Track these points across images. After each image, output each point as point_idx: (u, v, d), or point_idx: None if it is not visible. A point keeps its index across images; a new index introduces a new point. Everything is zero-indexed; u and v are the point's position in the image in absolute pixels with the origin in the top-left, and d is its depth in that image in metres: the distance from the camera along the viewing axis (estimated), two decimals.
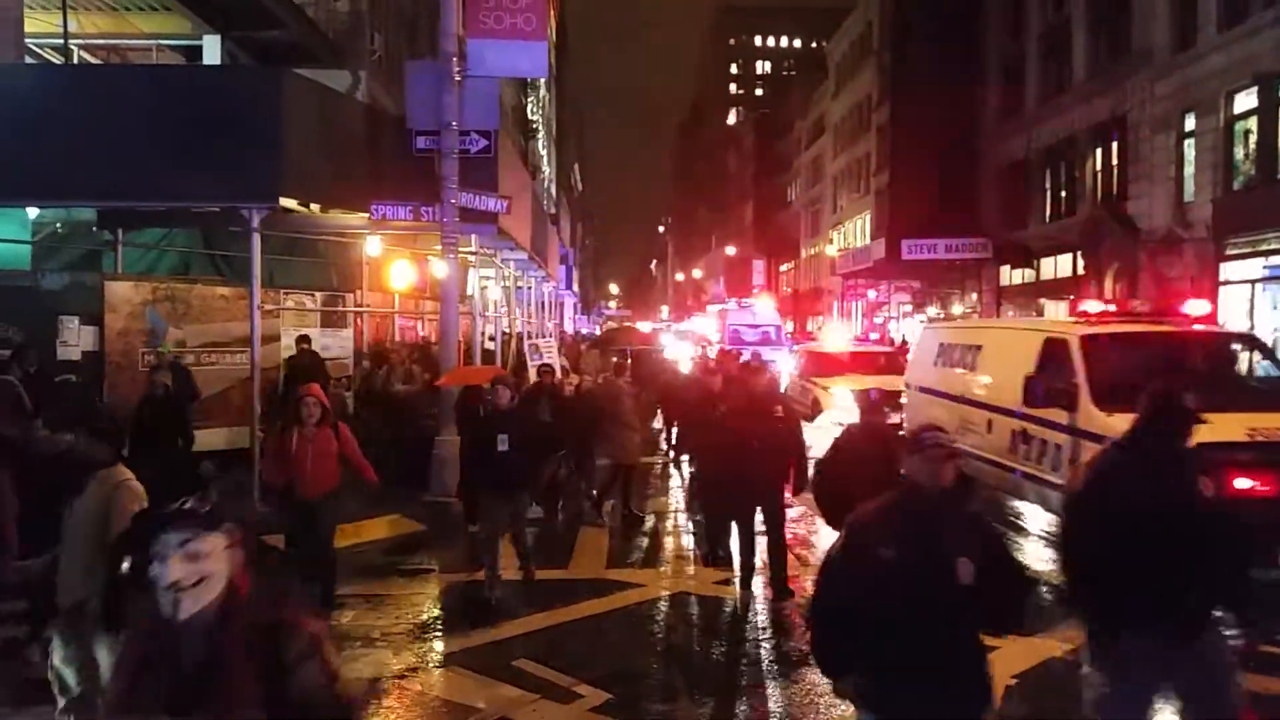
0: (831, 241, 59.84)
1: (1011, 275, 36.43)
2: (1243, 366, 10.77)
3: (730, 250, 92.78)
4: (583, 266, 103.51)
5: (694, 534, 11.15)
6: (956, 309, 41.00)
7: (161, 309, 12.82)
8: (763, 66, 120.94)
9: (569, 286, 51.10)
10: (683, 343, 32.58)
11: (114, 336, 12.32)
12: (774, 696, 6.51)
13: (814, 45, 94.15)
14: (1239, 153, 23.21)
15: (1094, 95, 29.62)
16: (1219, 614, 4.51)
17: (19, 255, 13.30)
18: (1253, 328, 20.18)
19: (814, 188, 69.60)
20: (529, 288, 25.64)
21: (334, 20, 22.33)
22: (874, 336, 35.30)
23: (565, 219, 70.73)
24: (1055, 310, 31.80)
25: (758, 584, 8.65)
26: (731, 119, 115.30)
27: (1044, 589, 8.22)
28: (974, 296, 39.75)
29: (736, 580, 8.73)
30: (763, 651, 7.33)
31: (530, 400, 11.54)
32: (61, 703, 5.16)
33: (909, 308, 47.14)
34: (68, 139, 10.48)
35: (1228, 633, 4.88)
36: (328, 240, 15.69)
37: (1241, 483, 7.84)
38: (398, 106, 18.81)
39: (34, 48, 15.20)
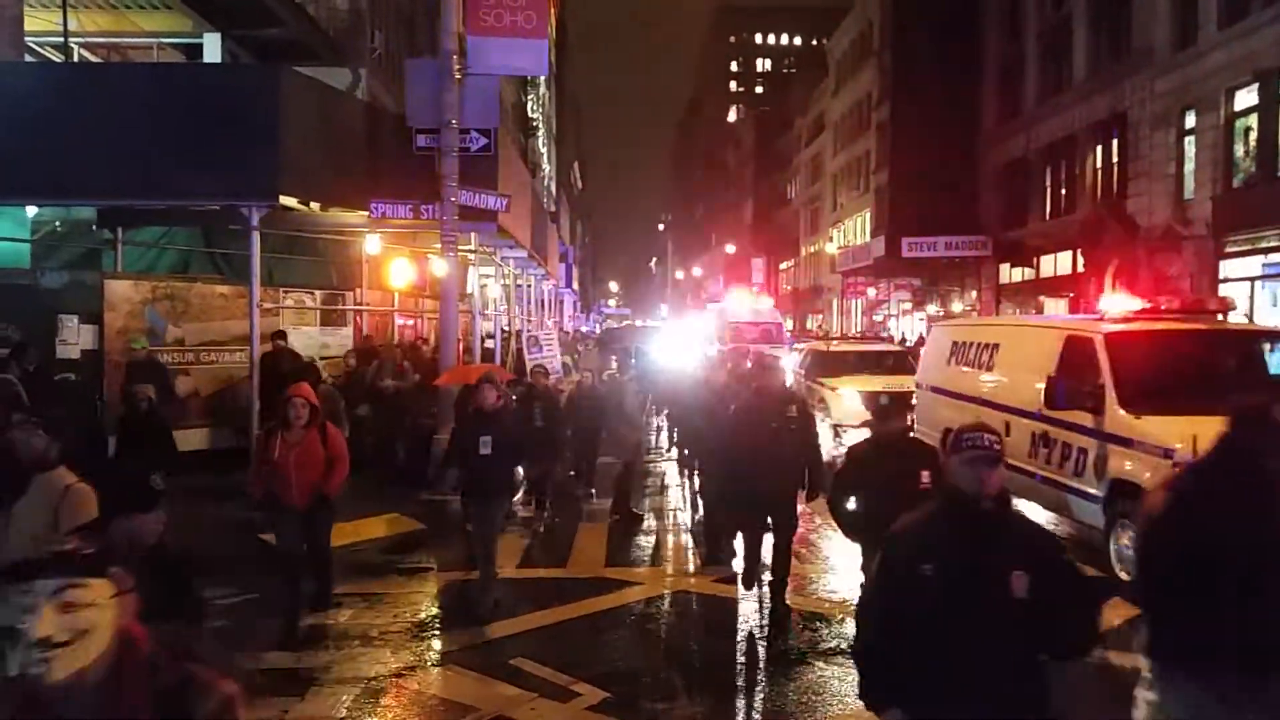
0: (831, 239, 59.80)
1: (1011, 273, 36.42)
2: (1275, 364, 10.03)
3: (730, 248, 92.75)
4: (582, 265, 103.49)
5: (693, 533, 11.16)
6: (956, 307, 40.98)
7: (161, 307, 12.83)
8: (763, 64, 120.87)
9: (569, 284, 51.08)
10: (687, 340, 31.49)
11: (113, 335, 12.33)
12: (772, 695, 6.51)
13: (814, 43, 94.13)
14: (1239, 150, 23.21)
15: (1094, 93, 29.61)
16: None
17: (18, 253, 13.31)
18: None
19: (814, 185, 69.57)
20: (528, 286, 25.65)
21: (334, 18, 22.33)
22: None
23: (565, 217, 70.73)
24: (1055, 307, 31.82)
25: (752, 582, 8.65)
26: (732, 116, 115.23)
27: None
28: (973, 294, 39.74)
29: (739, 579, 8.70)
30: (761, 650, 7.34)
31: (523, 402, 11.45)
32: None
33: (909, 305, 47.14)
34: (68, 137, 10.49)
35: None
36: (327, 238, 15.69)
37: None
38: (398, 104, 18.83)
39: (34, 46, 15.20)
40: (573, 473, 12.88)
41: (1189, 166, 25.01)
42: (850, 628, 7.73)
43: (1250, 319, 21.33)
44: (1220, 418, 4.00)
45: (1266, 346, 10.02)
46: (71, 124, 10.57)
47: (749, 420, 8.04)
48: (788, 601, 8.03)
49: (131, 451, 8.79)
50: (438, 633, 7.68)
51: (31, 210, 13.27)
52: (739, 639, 7.65)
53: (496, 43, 12.89)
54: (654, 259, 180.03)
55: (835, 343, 24.58)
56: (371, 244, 15.53)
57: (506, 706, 6.17)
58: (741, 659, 7.21)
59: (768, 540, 8.15)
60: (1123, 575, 8.09)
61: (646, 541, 10.80)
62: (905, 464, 6.06)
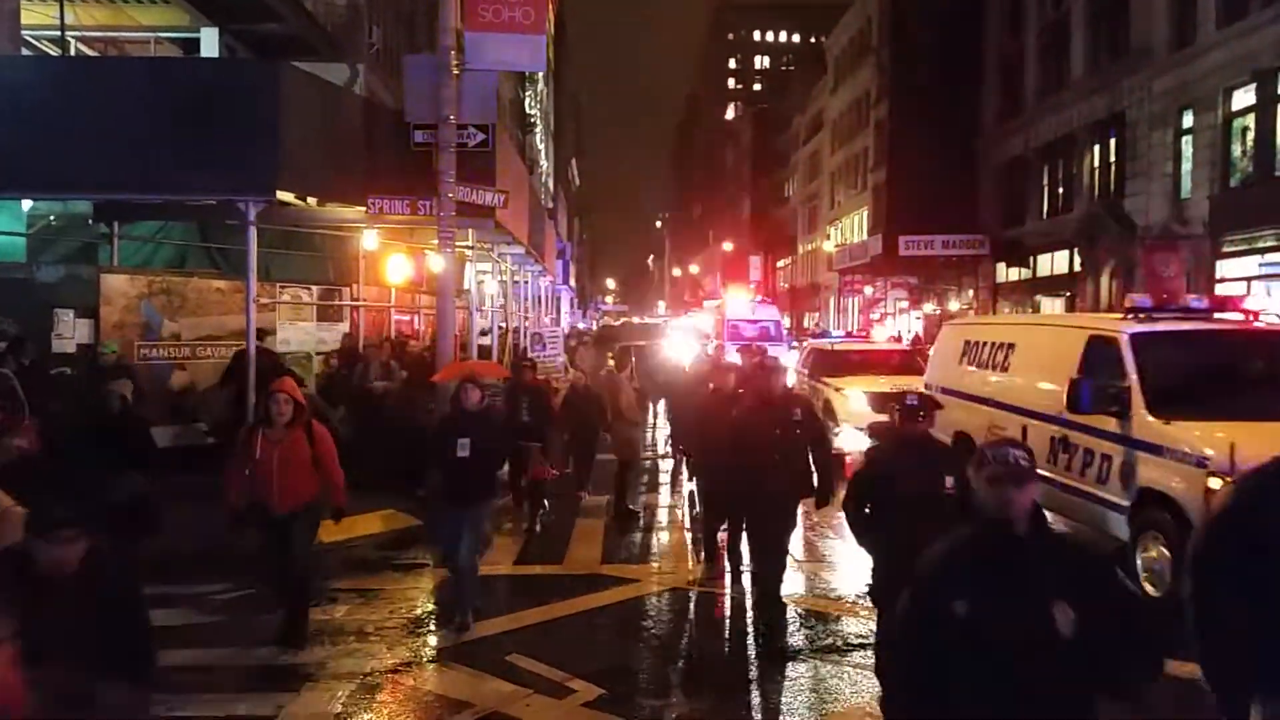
0: (828, 237, 59.83)
1: (1008, 272, 36.45)
2: None
3: (727, 246, 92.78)
4: (580, 261, 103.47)
5: (690, 530, 11.17)
6: (953, 305, 41.02)
7: (157, 302, 12.80)
8: (761, 61, 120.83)
9: (566, 281, 51.06)
10: (688, 337, 30.34)
11: (109, 329, 12.30)
12: (768, 692, 6.52)
13: (813, 40, 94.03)
14: (1236, 150, 23.24)
15: (1092, 92, 29.62)
16: None
17: (14, 247, 13.28)
18: None
19: (811, 183, 69.59)
20: (526, 282, 25.62)
21: (332, 13, 22.29)
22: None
23: (563, 214, 70.71)
24: (1052, 307, 31.86)
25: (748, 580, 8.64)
26: (730, 114, 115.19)
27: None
28: (970, 293, 39.78)
29: (737, 578, 8.62)
30: (756, 647, 7.34)
31: (509, 396, 11.25)
32: None
33: (905, 304, 47.16)
34: (64, 131, 10.45)
35: None
36: (324, 234, 15.65)
37: None
38: (395, 100, 18.80)
39: (31, 39, 15.16)
40: (567, 471, 12.58)
41: (1186, 166, 25.04)
42: (846, 625, 7.75)
43: None
44: (1258, 424, 3.77)
45: None
46: (68, 118, 10.53)
47: (750, 425, 7.59)
48: (783, 599, 7.94)
49: (103, 454, 7.84)
50: (433, 629, 7.68)
51: (27, 204, 13.24)
52: (734, 636, 7.66)
53: (494, 38, 12.84)
54: (651, 256, 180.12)
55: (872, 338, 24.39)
56: (369, 240, 15.49)
57: (502, 703, 6.18)
58: (737, 656, 7.21)
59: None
60: (1149, 589, 7.77)
61: (643, 539, 10.81)
62: (928, 469, 5.71)
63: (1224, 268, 23.03)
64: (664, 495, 13.40)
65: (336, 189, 12.47)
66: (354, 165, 12.52)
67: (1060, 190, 32.70)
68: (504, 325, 20.18)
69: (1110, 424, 8.57)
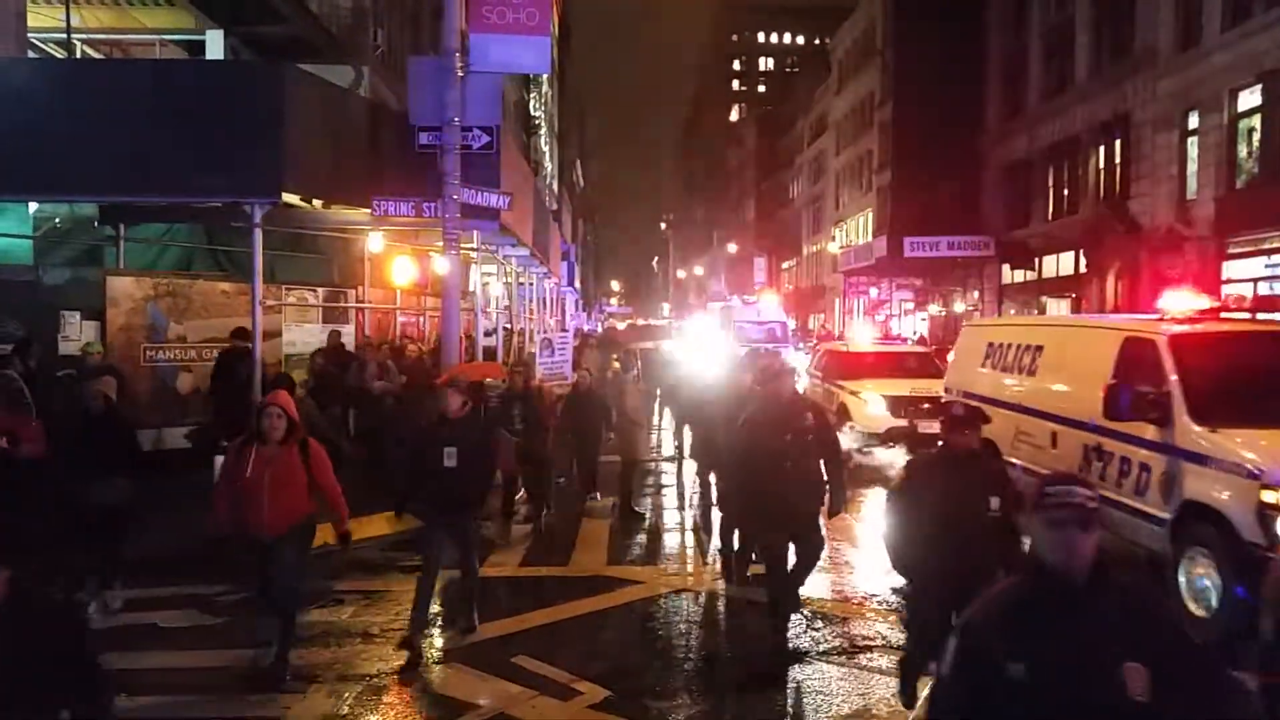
0: (833, 239, 59.81)
1: (1013, 274, 36.41)
2: None
3: (732, 247, 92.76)
4: (584, 263, 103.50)
5: (694, 531, 11.16)
6: (959, 307, 40.99)
7: (163, 304, 12.83)
8: (765, 63, 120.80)
9: (570, 283, 51.06)
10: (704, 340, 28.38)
11: (115, 332, 12.33)
12: (774, 694, 6.50)
13: (817, 42, 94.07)
14: (1242, 151, 23.19)
15: (1096, 93, 29.58)
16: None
17: (20, 250, 13.30)
18: None
19: (816, 185, 69.58)
20: (530, 284, 25.63)
21: (337, 15, 22.31)
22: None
23: (567, 215, 70.71)
24: (1057, 308, 31.80)
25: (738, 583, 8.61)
26: (734, 115, 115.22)
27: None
28: (975, 294, 39.74)
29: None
30: (762, 649, 7.32)
31: (502, 404, 11.00)
32: None
33: (910, 305, 47.13)
34: (70, 134, 10.47)
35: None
36: (329, 236, 15.68)
37: None
38: (400, 102, 18.81)
39: (36, 42, 15.19)
40: (561, 479, 12.45)
41: (1191, 167, 24.98)
42: (852, 626, 7.74)
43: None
44: None
45: None
46: (73, 120, 10.55)
47: (761, 431, 7.18)
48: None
49: (86, 457, 7.58)
50: (439, 630, 7.68)
51: (33, 207, 13.26)
52: (740, 638, 7.64)
53: (499, 40, 12.87)
54: (655, 258, 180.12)
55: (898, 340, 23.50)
56: (374, 241, 15.52)
57: (508, 704, 6.18)
58: (743, 658, 7.20)
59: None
60: (1193, 609, 7.35)
61: (648, 540, 10.80)
62: (971, 486, 5.29)
63: (1230, 269, 22.97)
64: (669, 497, 13.38)
65: (341, 191, 12.49)
66: (359, 167, 12.55)
67: (1065, 192, 32.64)
68: (509, 327, 20.19)
69: (1149, 431, 8.08)
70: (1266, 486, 6.87)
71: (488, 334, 19.27)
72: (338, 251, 16.66)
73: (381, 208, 12.51)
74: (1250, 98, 22.60)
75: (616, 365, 16.94)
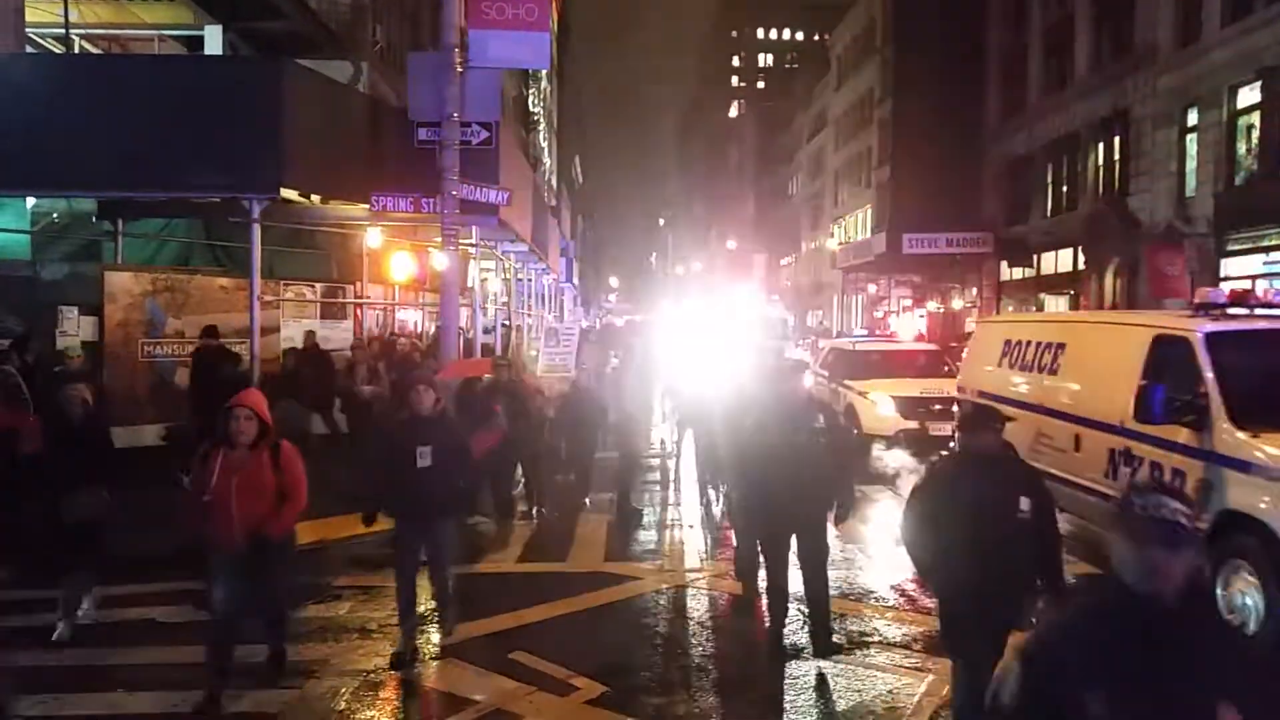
0: (832, 235, 59.81)
1: (1012, 271, 36.42)
2: None
3: (731, 244, 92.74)
4: (583, 259, 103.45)
5: (693, 528, 11.17)
6: (957, 304, 40.99)
7: (161, 299, 12.82)
8: (765, 59, 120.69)
9: (569, 279, 51.03)
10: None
11: (113, 327, 12.33)
12: (772, 692, 6.51)
13: (817, 38, 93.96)
14: (1241, 148, 23.17)
15: (1096, 90, 29.57)
16: None
17: (18, 245, 13.30)
18: None
19: (815, 181, 69.55)
20: (529, 280, 25.62)
21: (336, 11, 22.29)
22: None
23: (566, 211, 70.68)
24: (1056, 305, 31.81)
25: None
26: (733, 111, 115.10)
27: None
28: (974, 291, 39.74)
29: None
30: (760, 645, 7.33)
31: (485, 399, 10.61)
32: None
33: (909, 302, 47.13)
34: (68, 129, 10.47)
35: None
36: (328, 231, 15.67)
37: None
38: (399, 98, 18.81)
39: (35, 37, 15.18)
40: (559, 476, 12.37)
41: (1191, 164, 24.97)
42: (849, 624, 7.73)
43: None
44: None
45: None
46: (72, 116, 10.55)
47: (770, 433, 6.92)
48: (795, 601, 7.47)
49: (64, 465, 7.07)
50: (436, 626, 7.68)
51: (31, 202, 13.27)
52: (739, 634, 7.65)
53: (498, 35, 12.84)
54: (654, 254, 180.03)
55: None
56: (372, 237, 15.51)
57: (505, 700, 6.18)
58: (741, 655, 7.21)
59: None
60: (1233, 623, 6.92)
61: (646, 536, 10.81)
62: (999, 488, 5.02)
63: (1229, 266, 22.97)
64: (667, 493, 13.38)
65: (340, 186, 12.49)
66: (358, 163, 12.54)
67: (1064, 188, 32.64)
68: (508, 323, 20.19)
69: (1182, 435, 7.64)
70: None
71: (487, 330, 19.28)
72: (336, 247, 16.66)
73: (380, 203, 12.51)
74: (1250, 94, 22.59)
75: (615, 361, 16.96)
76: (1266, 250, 21.66)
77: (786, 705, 6.28)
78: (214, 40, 17.68)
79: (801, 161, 74.48)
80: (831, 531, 7.33)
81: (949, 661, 6.78)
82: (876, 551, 9.86)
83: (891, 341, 22.47)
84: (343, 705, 6.13)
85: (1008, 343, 11.33)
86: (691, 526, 11.23)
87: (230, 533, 5.87)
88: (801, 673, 6.74)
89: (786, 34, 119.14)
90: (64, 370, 9.95)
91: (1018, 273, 35.77)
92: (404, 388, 9.76)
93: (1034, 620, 4.94)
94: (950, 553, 4.98)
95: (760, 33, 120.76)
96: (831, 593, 8.29)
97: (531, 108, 62.62)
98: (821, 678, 6.66)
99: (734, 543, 9.16)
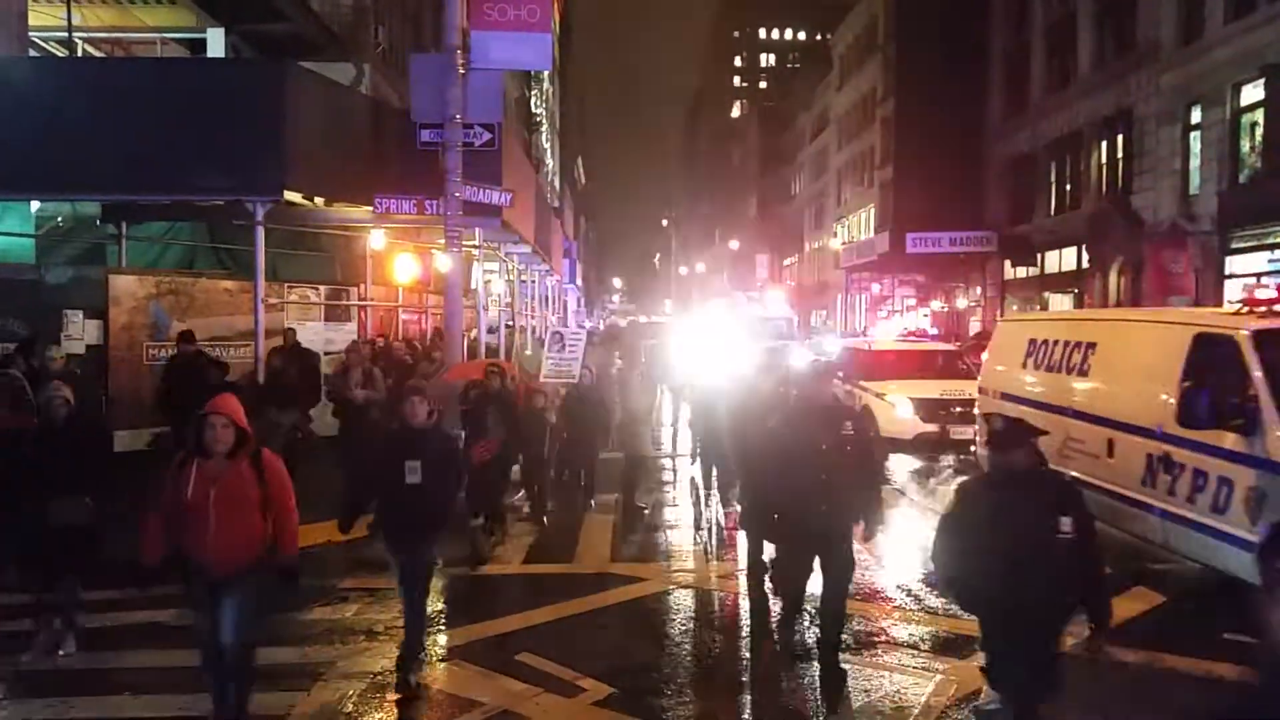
0: (836, 235, 59.76)
1: (1015, 270, 36.38)
2: None
3: (734, 244, 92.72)
4: (586, 260, 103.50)
5: (699, 529, 11.16)
6: (961, 303, 40.96)
7: (165, 302, 12.85)
8: (767, 59, 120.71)
9: (572, 280, 51.09)
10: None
11: (118, 330, 12.36)
12: (778, 691, 6.50)
13: (819, 38, 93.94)
14: (1245, 145, 23.13)
15: (1099, 88, 29.53)
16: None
17: (22, 249, 13.32)
18: None
19: (818, 181, 69.51)
20: (532, 281, 25.64)
21: (338, 13, 22.32)
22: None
23: (569, 212, 70.73)
24: (1060, 303, 31.76)
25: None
26: (735, 111, 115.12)
27: None
28: (978, 290, 39.71)
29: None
30: (766, 646, 7.32)
31: (476, 406, 10.05)
32: None
33: (913, 301, 47.10)
34: (72, 132, 10.50)
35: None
36: (332, 233, 15.70)
37: None
38: (402, 99, 18.83)
39: (38, 41, 15.22)
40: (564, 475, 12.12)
41: (1194, 162, 24.94)
42: (857, 624, 7.71)
43: None
44: None
45: None
46: (75, 119, 10.58)
47: (793, 440, 6.44)
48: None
49: (46, 470, 6.70)
50: (443, 628, 7.68)
51: (36, 206, 13.29)
52: (745, 635, 7.63)
53: (500, 37, 12.86)
54: (658, 255, 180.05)
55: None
56: (376, 239, 15.54)
57: (512, 701, 6.17)
58: (748, 655, 7.19)
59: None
60: None
61: (652, 537, 10.79)
62: (1038, 507, 4.73)
63: (1233, 264, 22.93)
64: (672, 494, 13.36)
65: (343, 189, 12.52)
66: (360, 165, 12.57)
67: (1068, 187, 32.61)
68: (511, 324, 20.19)
69: (1229, 440, 7.17)
70: None
71: (490, 331, 19.29)
72: (340, 249, 16.68)
73: (383, 205, 12.53)
74: (1253, 92, 22.54)
75: (620, 362, 16.93)
76: (1271, 248, 21.61)
77: (794, 706, 6.26)
78: (216, 43, 17.71)
79: (804, 161, 74.46)
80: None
81: (957, 662, 6.81)
82: (884, 552, 9.84)
83: (921, 340, 21.38)
84: (350, 707, 6.13)
85: (1032, 342, 10.81)
86: (697, 527, 11.21)
87: (206, 548, 5.26)
88: (809, 673, 6.72)
89: (788, 34, 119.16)
90: (47, 372, 9.42)
91: (1021, 272, 35.73)
92: (397, 395, 9.13)
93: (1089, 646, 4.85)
94: (989, 580, 4.70)
95: (762, 33, 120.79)
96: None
97: (534, 109, 62.66)
98: (830, 678, 6.63)
99: (737, 543, 9.11)
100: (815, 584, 6.78)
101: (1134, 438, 8.37)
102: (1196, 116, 24.72)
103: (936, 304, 44.09)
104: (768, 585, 7.69)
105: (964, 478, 8.00)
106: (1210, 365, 7.67)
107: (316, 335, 15.07)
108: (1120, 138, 28.77)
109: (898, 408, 15.00)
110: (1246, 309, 7.99)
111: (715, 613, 8.23)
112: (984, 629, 4.98)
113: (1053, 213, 33.44)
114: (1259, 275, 21.84)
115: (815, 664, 6.86)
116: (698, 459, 12.52)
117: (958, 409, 14.38)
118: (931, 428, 14.66)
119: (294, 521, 5.55)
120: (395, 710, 6.16)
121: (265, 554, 5.43)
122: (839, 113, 61.16)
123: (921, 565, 9.35)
